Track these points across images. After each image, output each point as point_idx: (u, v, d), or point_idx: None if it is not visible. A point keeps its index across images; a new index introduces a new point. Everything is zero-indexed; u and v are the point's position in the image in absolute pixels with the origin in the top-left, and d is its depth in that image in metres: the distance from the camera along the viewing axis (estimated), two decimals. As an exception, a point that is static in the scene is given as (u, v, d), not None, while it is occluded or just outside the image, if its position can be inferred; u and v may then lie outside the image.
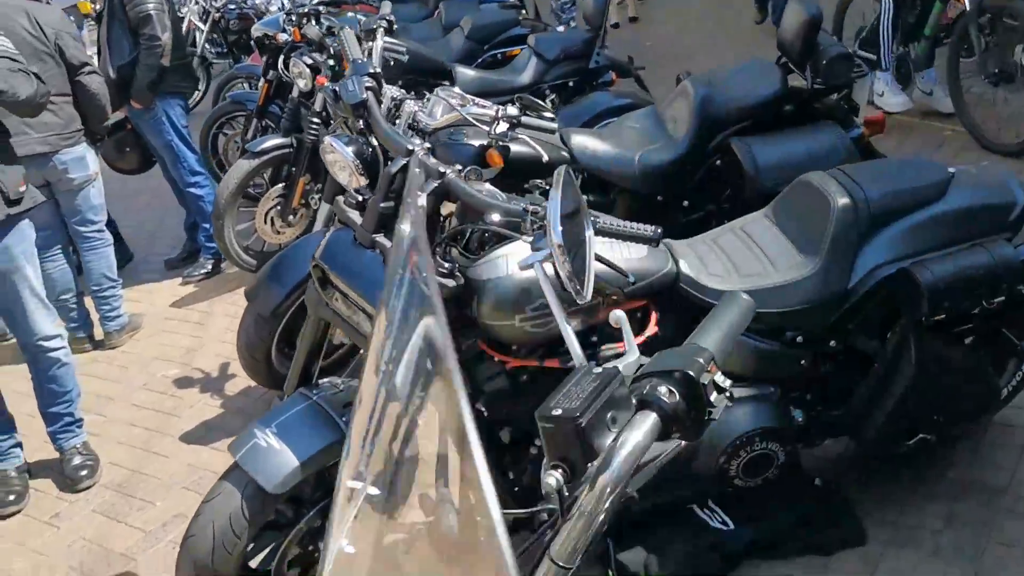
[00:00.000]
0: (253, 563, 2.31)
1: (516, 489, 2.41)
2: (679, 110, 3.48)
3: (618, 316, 1.50)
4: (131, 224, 6.17)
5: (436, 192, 2.03)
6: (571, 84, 4.93)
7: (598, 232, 1.87)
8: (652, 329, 2.30)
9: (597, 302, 2.15)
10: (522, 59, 4.99)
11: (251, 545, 2.27)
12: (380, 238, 2.12)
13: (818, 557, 2.47)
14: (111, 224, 4.94)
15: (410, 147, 2.08)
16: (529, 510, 2.35)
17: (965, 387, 2.40)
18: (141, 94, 4.81)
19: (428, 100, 3.34)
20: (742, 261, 2.39)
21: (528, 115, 3.21)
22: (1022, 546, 2.40)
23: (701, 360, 1.12)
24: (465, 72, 4.92)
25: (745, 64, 3.63)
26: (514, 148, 3.23)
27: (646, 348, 2.26)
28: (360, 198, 2.23)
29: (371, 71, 2.26)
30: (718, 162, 3.47)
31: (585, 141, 3.51)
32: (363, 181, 3.20)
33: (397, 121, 3.31)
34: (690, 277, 2.32)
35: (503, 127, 3.15)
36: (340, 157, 3.15)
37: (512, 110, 3.17)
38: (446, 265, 2.03)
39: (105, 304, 4.57)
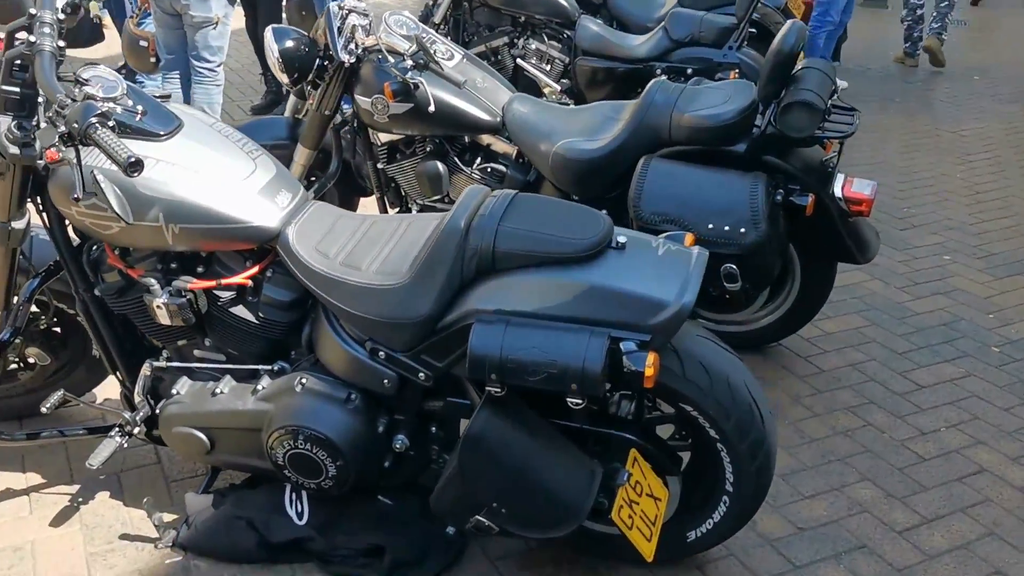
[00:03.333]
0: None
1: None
2: (630, 110, 3.08)
3: None
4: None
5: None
6: (689, 71, 4.48)
7: (89, 140, 1.80)
8: (239, 278, 2.18)
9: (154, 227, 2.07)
10: (658, 30, 4.61)
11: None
12: None
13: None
14: None
15: None
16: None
17: (531, 485, 1.99)
18: (308, -38, 5.14)
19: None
20: (363, 251, 2.15)
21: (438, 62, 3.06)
22: None
23: None
24: (588, 26, 4.67)
25: (732, 82, 3.10)
26: (419, 90, 3.08)
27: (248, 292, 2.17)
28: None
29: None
30: (646, 179, 3.04)
31: (521, 111, 3.24)
32: (284, 78, 3.26)
33: (341, 29, 3.27)
34: (288, 244, 2.14)
35: (406, 64, 3.04)
36: (270, 51, 3.23)
37: (420, 54, 3.04)
38: (16, 133, 2.06)
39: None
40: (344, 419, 2.14)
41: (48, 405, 2.34)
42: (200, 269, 2.22)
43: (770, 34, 5.51)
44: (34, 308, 2.61)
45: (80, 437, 2.50)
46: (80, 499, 2.54)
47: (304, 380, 2.16)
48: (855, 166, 5.18)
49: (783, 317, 3.29)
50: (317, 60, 3.30)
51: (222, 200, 2.09)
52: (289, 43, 3.28)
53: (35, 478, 2.62)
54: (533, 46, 4.77)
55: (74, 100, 1.88)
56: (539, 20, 4.74)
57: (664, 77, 4.45)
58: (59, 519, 2.47)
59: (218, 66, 4.92)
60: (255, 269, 2.19)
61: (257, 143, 3.49)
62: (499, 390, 1.91)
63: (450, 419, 2.23)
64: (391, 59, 3.09)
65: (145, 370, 2.34)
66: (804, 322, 3.32)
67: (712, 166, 2.87)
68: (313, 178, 3.66)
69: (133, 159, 1.75)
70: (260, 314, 2.21)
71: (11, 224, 2.22)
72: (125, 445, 2.37)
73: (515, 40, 4.82)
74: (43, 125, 2.00)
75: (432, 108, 3.06)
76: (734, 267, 2.75)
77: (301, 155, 3.44)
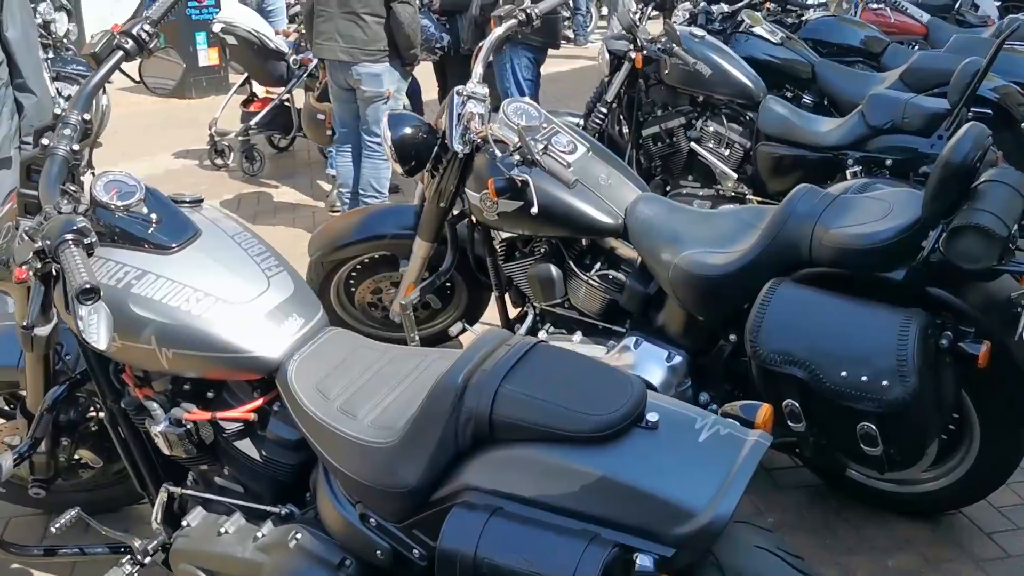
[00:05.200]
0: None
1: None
2: (769, 219, 2.60)
3: None
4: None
5: None
6: (888, 163, 3.88)
7: (56, 259, 1.64)
8: (238, 412, 1.93)
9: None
10: (854, 115, 4.03)
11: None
12: None
13: None
14: None
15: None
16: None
17: None
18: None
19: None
20: (366, 395, 1.82)
21: (551, 155, 2.72)
22: None
23: None
24: (772, 107, 4.17)
25: (897, 192, 2.54)
26: (528, 188, 2.76)
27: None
28: None
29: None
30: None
31: (645, 213, 2.83)
32: (398, 166, 3.07)
33: (461, 116, 3.02)
34: (287, 379, 1.86)
35: (513, 159, 2.74)
36: (384, 138, 3.06)
37: (538, 147, 2.72)
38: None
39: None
40: (335, 587, 1.82)
41: (58, 525, 2.19)
42: (210, 395, 2.00)
43: (1012, 119, 4.74)
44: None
45: (101, 556, 2.33)
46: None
47: (299, 536, 1.87)
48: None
49: (960, 481, 2.63)
50: (436, 148, 3.07)
51: (220, 325, 1.86)
52: (406, 129, 3.07)
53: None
54: (711, 128, 4.32)
55: (59, 212, 1.71)
56: (719, 100, 4.29)
57: (857, 169, 3.91)
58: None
59: (387, 141, 4.83)
60: (257, 402, 1.94)
61: (382, 230, 3.38)
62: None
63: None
64: (498, 153, 2.79)
65: (162, 495, 2.14)
66: (988, 490, 2.65)
67: (858, 297, 2.34)
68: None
69: (87, 286, 1.54)
70: (264, 452, 1.95)
71: (34, 331, 2.10)
72: (135, 575, 2.17)
73: (693, 121, 4.38)
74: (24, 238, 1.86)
75: (535, 209, 2.71)
76: (873, 428, 2.21)
77: (419, 247, 3.21)
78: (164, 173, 6.53)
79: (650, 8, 4.42)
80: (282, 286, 1.97)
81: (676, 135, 4.41)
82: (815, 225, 2.44)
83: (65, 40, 7.52)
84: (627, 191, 2.91)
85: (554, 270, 2.94)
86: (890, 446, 2.22)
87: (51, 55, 6.70)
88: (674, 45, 4.03)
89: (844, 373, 2.20)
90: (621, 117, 4.59)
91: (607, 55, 4.41)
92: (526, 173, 2.74)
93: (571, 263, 2.95)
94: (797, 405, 2.32)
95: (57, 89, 5.96)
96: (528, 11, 3.13)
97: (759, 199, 4.19)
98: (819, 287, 2.39)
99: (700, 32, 4.29)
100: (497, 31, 3.07)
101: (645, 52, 4.18)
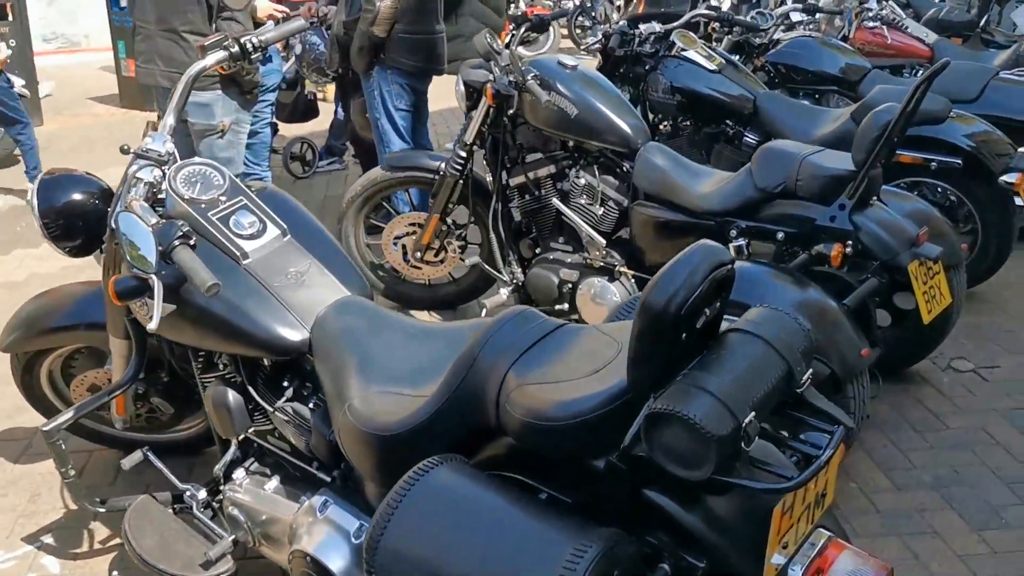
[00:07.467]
0: None
1: None
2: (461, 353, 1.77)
3: None
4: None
5: None
6: (780, 237, 3.02)
7: None
8: None
9: None
10: (742, 172, 3.17)
11: None
12: None
13: None
14: None
15: None
16: None
17: None
18: (353, 58, 4.27)
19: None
20: None
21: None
22: None
23: None
24: (649, 158, 3.31)
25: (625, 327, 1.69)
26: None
27: None
28: None
29: None
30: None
31: (336, 329, 2.03)
32: (55, 247, 2.35)
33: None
34: None
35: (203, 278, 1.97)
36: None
37: (176, 234, 1.95)
38: None
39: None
40: None
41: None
42: None
43: (988, 172, 3.85)
44: None
45: None
46: None
47: None
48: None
49: None
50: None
51: None
52: (74, 195, 2.35)
53: None
54: (583, 181, 3.46)
55: None
56: (592, 146, 3.44)
57: (741, 243, 3.07)
58: None
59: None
60: None
61: (75, 320, 2.63)
62: None
63: None
64: (133, 241, 2.02)
65: None
66: None
67: (545, 498, 1.52)
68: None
69: None
70: None
71: None
72: None
73: (566, 170, 3.54)
74: None
75: (153, 324, 1.94)
76: None
77: (114, 345, 2.46)
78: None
79: (523, 30, 3.58)
80: None
81: (544, 187, 3.57)
82: (506, 374, 1.62)
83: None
84: (325, 293, 2.11)
85: (231, 396, 2.15)
86: None
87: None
88: (522, 77, 3.22)
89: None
90: (484, 161, 3.76)
91: (462, 87, 3.61)
92: (159, 269, 1.97)
93: (254, 387, 2.16)
94: (426, 667, 1.51)
95: None
96: (244, 41, 2.36)
97: (633, 272, 3.35)
98: (508, 471, 1.58)
99: (570, 61, 3.45)
100: (200, 63, 2.31)
101: (494, 86, 3.37)
